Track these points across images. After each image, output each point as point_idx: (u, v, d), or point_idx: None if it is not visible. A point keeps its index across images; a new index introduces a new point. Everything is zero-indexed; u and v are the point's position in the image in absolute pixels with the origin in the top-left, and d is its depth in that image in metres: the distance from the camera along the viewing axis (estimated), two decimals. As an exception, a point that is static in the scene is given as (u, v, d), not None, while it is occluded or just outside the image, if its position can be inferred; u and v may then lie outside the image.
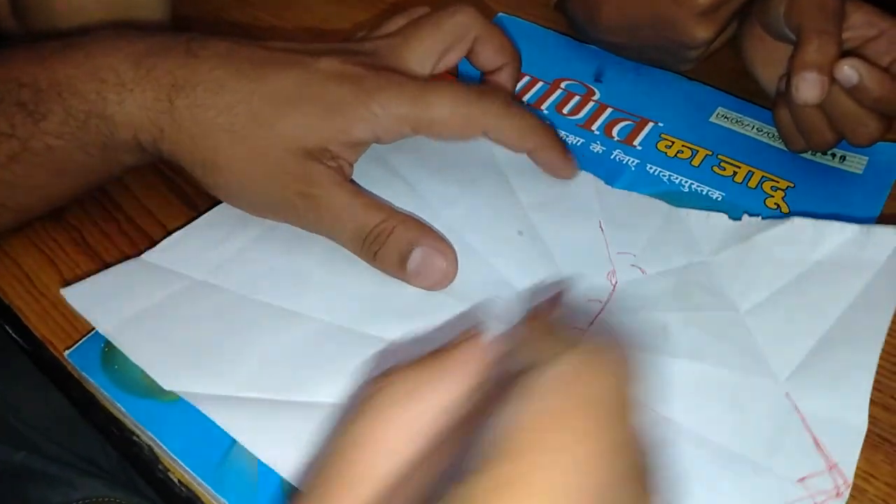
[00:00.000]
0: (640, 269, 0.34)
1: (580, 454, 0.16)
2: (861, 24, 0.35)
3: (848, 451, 0.27)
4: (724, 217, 0.35)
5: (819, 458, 0.27)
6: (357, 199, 0.33)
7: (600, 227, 0.35)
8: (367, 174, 0.37)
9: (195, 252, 0.34)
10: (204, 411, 0.29)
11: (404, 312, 0.32)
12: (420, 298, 0.32)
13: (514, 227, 0.35)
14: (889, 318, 0.30)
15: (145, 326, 0.31)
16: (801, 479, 0.27)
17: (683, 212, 0.36)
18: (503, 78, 0.39)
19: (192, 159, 0.33)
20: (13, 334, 0.34)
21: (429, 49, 0.35)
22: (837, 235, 0.32)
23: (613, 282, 0.33)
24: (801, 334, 0.31)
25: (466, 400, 0.20)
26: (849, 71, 0.33)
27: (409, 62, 0.35)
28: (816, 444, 0.28)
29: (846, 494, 0.26)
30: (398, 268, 0.32)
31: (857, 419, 0.28)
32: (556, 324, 0.21)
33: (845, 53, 0.36)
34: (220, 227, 0.35)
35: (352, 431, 0.19)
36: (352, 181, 0.34)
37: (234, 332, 0.31)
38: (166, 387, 0.29)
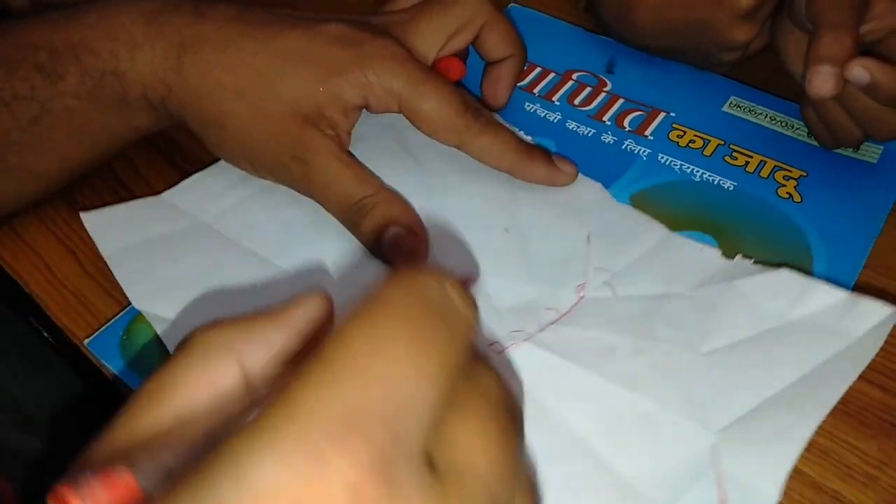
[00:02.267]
0: (611, 287, 0.33)
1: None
2: (886, 14, 0.34)
3: None
4: (716, 253, 0.33)
5: None
6: (348, 169, 0.34)
7: (588, 238, 0.35)
8: (379, 143, 0.38)
9: (207, 196, 0.37)
10: (161, 335, 0.31)
11: (368, 278, 0.33)
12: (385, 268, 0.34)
13: (503, 222, 0.36)
14: (839, 395, 0.28)
15: (140, 254, 0.34)
16: None
17: (679, 239, 0.34)
18: (506, 69, 0.40)
19: (197, 116, 0.34)
20: (35, 323, 0.35)
21: (436, 30, 0.36)
22: (822, 298, 0.30)
23: (580, 295, 0.33)
24: (749, 390, 0.29)
25: (285, 354, 0.19)
26: (859, 71, 0.32)
27: (416, 40, 0.36)
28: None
29: None
30: (373, 241, 0.33)
31: (770, 491, 0.26)
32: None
33: (870, 45, 0.36)
34: (232, 173, 0.37)
35: (173, 363, 0.18)
36: (349, 152, 0.35)
37: (213, 271, 0.34)
38: (136, 305, 0.32)
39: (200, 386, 0.18)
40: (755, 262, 0.33)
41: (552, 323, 0.32)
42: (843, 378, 0.28)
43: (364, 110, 0.35)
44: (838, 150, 0.39)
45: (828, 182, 0.38)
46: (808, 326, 0.30)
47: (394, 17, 0.37)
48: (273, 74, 0.33)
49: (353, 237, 0.35)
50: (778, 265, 0.32)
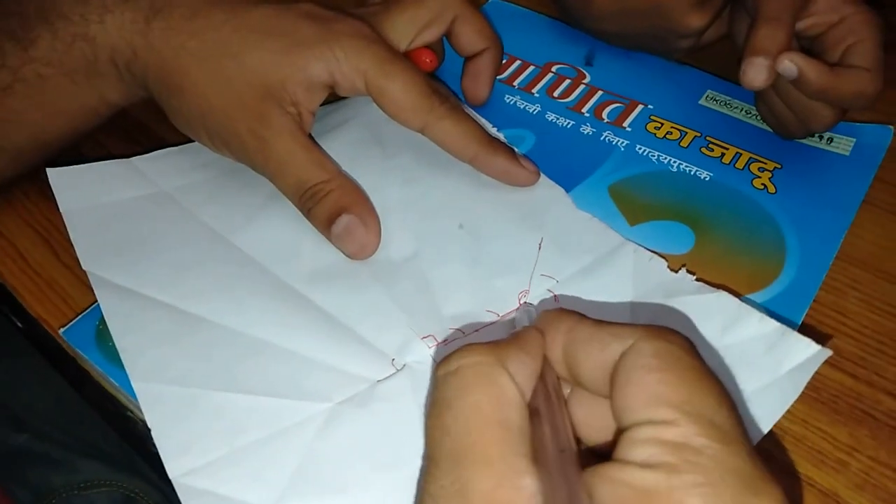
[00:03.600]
0: (554, 296, 0.33)
1: (717, 399, 0.20)
2: (825, 10, 0.36)
3: None
4: (663, 265, 0.33)
5: None
6: (305, 153, 0.33)
7: (539, 244, 0.34)
8: (349, 133, 0.38)
9: (176, 169, 0.37)
10: (97, 295, 0.32)
11: (321, 270, 0.33)
12: (341, 260, 0.34)
13: (458, 219, 0.35)
14: (759, 436, 0.28)
15: (97, 215, 0.34)
16: None
17: (631, 248, 0.34)
18: (484, 62, 0.40)
19: (158, 81, 0.34)
20: (8, 314, 0.35)
21: (407, 21, 0.36)
22: (755, 327, 0.30)
23: (521, 302, 0.33)
24: None
25: (533, 381, 0.22)
26: (788, 64, 0.33)
27: (387, 30, 0.36)
28: None
29: None
30: (325, 228, 0.33)
31: None
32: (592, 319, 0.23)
33: (810, 40, 0.37)
34: (205, 153, 0.37)
35: (454, 410, 0.20)
36: (308, 135, 0.35)
37: (165, 240, 0.34)
38: (84, 265, 0.32)
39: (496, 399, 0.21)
40: (697, 279, 0.32)
41: (489, 325, 0.32)
42: (770, 412, 0.28)
43: (334, 92, 0.35)
44: (811, 143, 0.40)
45: (801, 174, 0.38)
46: (738, 354, 0.30)
47: (367, 9, 0.37)
48: (238, 44, 0.33)
49: (305, 222, 0.35)
50: (718, 287, 0.32)
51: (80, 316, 0.32)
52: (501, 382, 0.21)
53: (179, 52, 0.33)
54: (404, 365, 0.30)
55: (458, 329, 0.31)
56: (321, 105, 0.35)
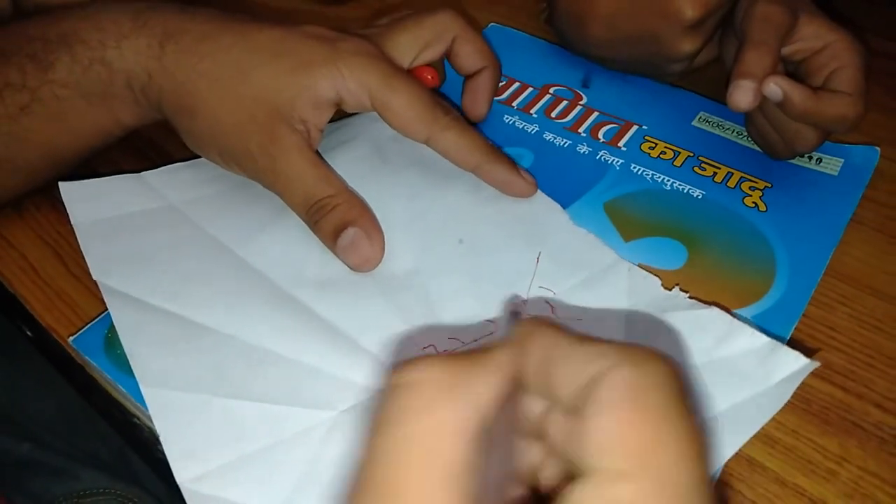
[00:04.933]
0: (551, 307, 0.34)
1: (679, 450, 0.17)
2: (810, 37, 0.37)
3: None
4: (657, 282, 0.34)
5: None
6: (313, 169, 0.35)
7: (538, 258, 0.35)
8: (356, 150, 0.39)
9: (185, 182, 0.38)
10: (107, 304, 0.32)
11: (325, 282, 0.34)
12: (345, 272, 0.35)
13: (459, 234, 0.36)
14: (744, 439, 0.29)
15: (108, 228, 0.35)
16: None
17: (626, 265, 0.35)
18: (483, 81, 0.41)
19: (172, 102, 0.35)
20: (20, 323, 0.35)
21: (409, 41, 0.38)
22: (746, 341, 0.31)
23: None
24: None
25: (497, 404, 0.19)
26: (773, 88, 0.35)
27: (391, 49, 0.37)
28: None
29: None
30: (331, 241, 0.34)
31: None
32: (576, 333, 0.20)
33: (795, 65, 0.38)
34: (214, 169, 0.38)
35: (394, 434, 0.18)
36: (316, 151, 0.36)
37: (173, 252, 0.35)
38: (94, 275, 0.33)
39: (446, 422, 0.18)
40: (690, 297, 0.34)
41: (487, 335, 0.33)
42: (753, 422, 0.29)
43: (341, 109, 0.36)
44: (801, 163, 0.41)
45: (791, 193, 0.39)
46: (730, 367, 0.31)
47: (371, 30, 0.38)
48: (247, 64, 0.34)
49: (313, 236, 0.36)
50: (710, 303, 0.33)
51: (88, 325, 0.33)
52: (458, 408, 0.18)
53: (191, 74, 0.34)
54: None
55: (456, 338, 0.32)
56: (328, 122, 0.36)
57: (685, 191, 0.39)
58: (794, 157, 0.41)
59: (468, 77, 0.42)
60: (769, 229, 0.37)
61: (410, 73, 0.38)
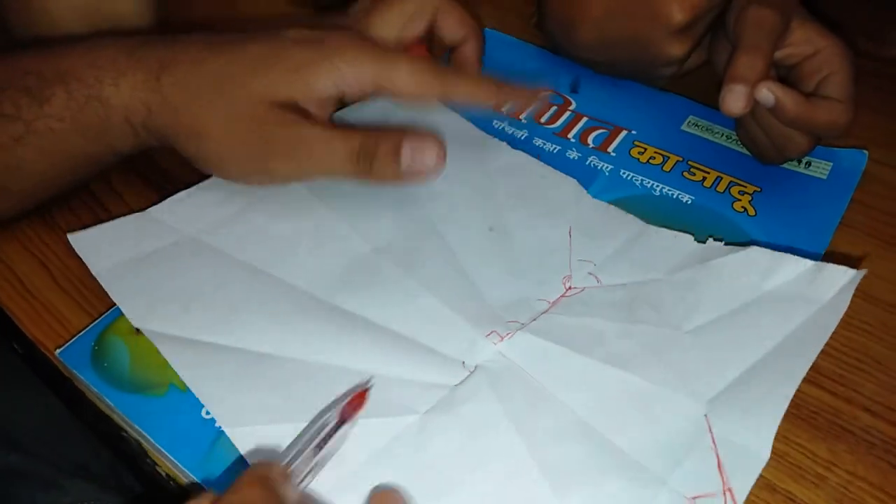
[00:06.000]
0: (595, 278, 0.35)
1: None
2: (801, 42, 0.37)
3: (746, 477, 0.28)
4: (689, 238, 0.36)
5: (717, 480, 0.28)
6: (338, 131, 0.34)
7: (569, 233, 0.37)
8: None
9: (195, 211, 0.37)
10: (161, 350, 0.31)
11: (364, 286, 0.34)
12: (387, 279, 0.35)
13: (487, 223, 0.37)
14: (816, 353, 0.31)
15: (132, 271, 0.34)
16: (694, 498, 0.27)
17: (653, 229, 0.37)
18: (468, 51, 0.41)
19: (178, 131, 0.35)
20: (6, 337, 0.35)
21: (393, 16, 0.38)
22: (791, 269, 0.33)
23: (567, 286, 0.34)
24: (732, 361, 0.31)
25: None
26: (766, 93, 0.35)
27: (374, 28, 0.38)
28: (719, 466, 0.28)
29: None
30: (394, 171, 0.34)
31: (761, 449, 0.28)
32: None
33: (787, 69, 0.38)
34: (217, 191, 0.38)
35: None
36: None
37: (207, 284, 0.34)
38: (135, 324, 0.32)
39: None
40: (726, 244, 0.35)
41: (544, 313, 0.33)
42: (818, 338, 0.31)
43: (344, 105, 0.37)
44: (790, 167, 0.41)
45: (780, 197, 0.39)
46: (782, 295, 0.33)
47: (350, 17, 0.38)
48: (246, 77, 0.34)
49: (346, 243, 0.36)
50: (747, 244, 0.35)
51: (75, 338, 0.33)
52: None
53: (192, 98, 0.34)
54: (476, 366, 0.31)
55: (515, 321, 0.33)
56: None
57: (675, 196, 0.39)
58: (784, 163, 0.41)
59: (452, 50, 0.42)
60: (759, 233, 0.37)
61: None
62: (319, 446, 0.27)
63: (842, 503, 0.28)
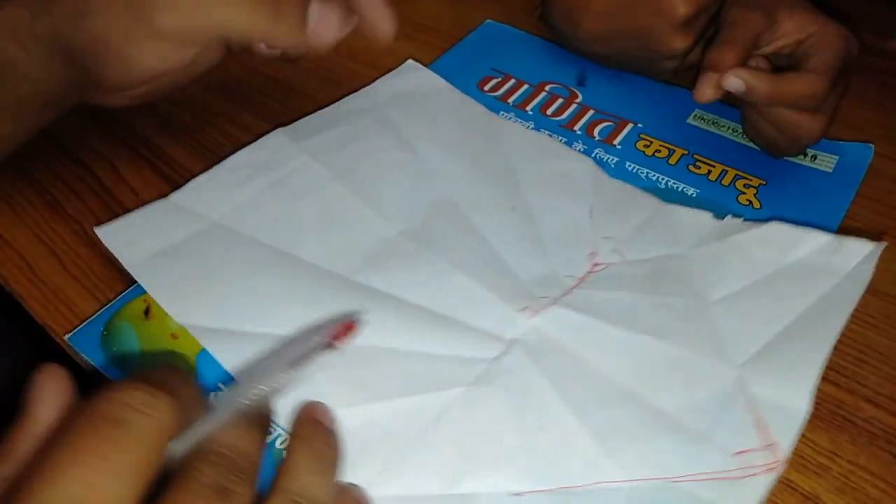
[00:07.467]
0: (620, 254, 0.36)
1: None
2: (792, 31, 0.38)
3: (787, 432, 0.29)
4: (708, 215, 0.37)
5: (758, 436, 0.29)
6: None
7: (590, 212, 0.37)
8: (376, 141, 0.41)
9: (216, 194, 0.38)
10: (203, 344, 0.31)
11: (395, 267, 0.35)
12: (419, 260, 0.35)
13: (509, 203, 0.38)
14: (844, 320, 0.32)
15: (164, 263, 0.34)
16: (738, 453, 0.28)
17: (671, 207, 0.38)
18: None
19: (85, 55, 0.33)
20: (16, 321, 0.35)
21: None
22: (812, 241, 0.34)
23: (593, 262, 0.35)
24: (762, 326, 0.32)
25: None
26: (733, 80, 0.35)
27: None
28: (758, 423, 0.29)
29: (778, 470, 0.28)
30: (301, 27, 0.33)
31: (800, 403, 0.29)
32: None
33: (785, 58, 0.38)
34: (239, 172, 0.39)
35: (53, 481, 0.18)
36: None
37: (239, 271, 0.34)
38: (176, 319, 0.32)
39: None
40: (744, 221, 0.36)
41: (574, 288, 0.34)
42: (845, 305, 0.32)
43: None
44: (796, 160, 0.41)
45: (786, 190, 0.39)
46: (804, 266, 0.34)
47: None
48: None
49: (370, 226, 0.36)
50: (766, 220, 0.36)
51: (84, 322, 0.33)
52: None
53: (79, 19, 0.32)
54: (512, 340, 0.32)
55: (546, 296, 0.34)
56: (317, 121, 0.36)
57: (680, 189, 0.40)
58: (800, 153, 0.41)
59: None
60: (763, 226, 0.37)
61: None
62: (295, 365, 0.25)
63: (843, 493, 0.29)
